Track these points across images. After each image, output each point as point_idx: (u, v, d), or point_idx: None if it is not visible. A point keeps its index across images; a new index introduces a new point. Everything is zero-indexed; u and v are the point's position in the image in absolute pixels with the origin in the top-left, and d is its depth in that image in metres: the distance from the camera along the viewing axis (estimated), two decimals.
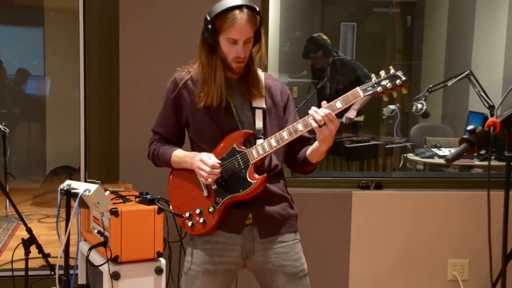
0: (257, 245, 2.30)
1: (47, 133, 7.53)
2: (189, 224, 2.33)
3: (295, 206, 2.42)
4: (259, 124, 2.28)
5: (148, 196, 2.92)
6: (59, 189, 2.41)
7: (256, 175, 2.23)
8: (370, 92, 2.09)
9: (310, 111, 2.14)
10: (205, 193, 2.30)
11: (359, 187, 3.65)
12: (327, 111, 2.09)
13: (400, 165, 5.09)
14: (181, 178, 2.38)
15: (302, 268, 2.36)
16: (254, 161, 2.23)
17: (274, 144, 2.20)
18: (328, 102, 2.15)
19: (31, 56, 7.79)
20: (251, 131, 2.27)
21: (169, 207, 2.45)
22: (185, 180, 2.36)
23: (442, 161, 4.67)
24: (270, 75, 2.43)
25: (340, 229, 3.57)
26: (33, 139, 7.70)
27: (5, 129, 5.35)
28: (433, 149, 4.85)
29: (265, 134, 2.28)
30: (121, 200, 2.93)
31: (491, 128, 1.70)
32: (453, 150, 4.82)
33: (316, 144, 2.24)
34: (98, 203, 2.35)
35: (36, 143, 7.65)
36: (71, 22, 4.67)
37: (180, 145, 2.47)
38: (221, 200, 2.27)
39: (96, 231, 2.98)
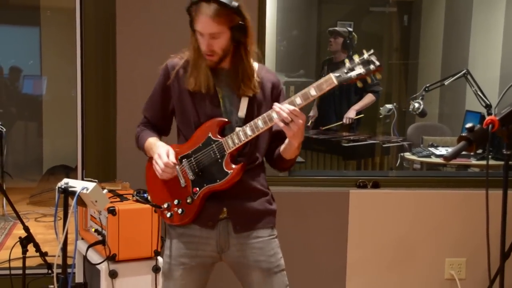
0: (232, 240, 2.27)
1: (43, 132, 7.52)
2: (168, 214, 2.29)
3: (274, 201, 2.37)
4: (241, 112, 2.22)
5: (145, 195, 2.92)
6: (56, 187, 2.41)
7: (232, 165, 2.18)
8: (345, 78, 2.02)
9: (274, 107, 2.08)
10: (182, 183, 2.25)
11: (357, 186, 3.65)
12: (291, 107, 2.04)
13: (397, 164, 5.10)
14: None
15: (277, 264, 2.30)
16: (229, 150, 2.17)
17: (249, 132, 2.14)
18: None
19: (28, 56, 7.78)
20: (225, 120, 2.21)
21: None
22: None
23: (439, 160, 4.68)
24: (264, 67, 2.37)
25: (338, 228, 3.57)
26: (29, 138, 7.68)
27: (1, 128, 5.34)
28: (430, 148, 4.86)
29: (246, 123, 2.19)
30: (118, 199, 2.93)
31: (490, 126, 1.70)
32: (450, 149, 4.84)
33: (287, 141, 2.19)
34: (96, 201, 2.35)
35: (32, 142, 7.64)
36: (68, 22, 4.66)
37: (164, 132, 2.45)
38: (198, 190, 2.22)
39: (93, 229, 2.97)
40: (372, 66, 2.02)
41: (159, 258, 2.87)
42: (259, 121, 2.13)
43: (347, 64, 2.04)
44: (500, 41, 5.59)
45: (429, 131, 5.56)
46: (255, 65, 2.30)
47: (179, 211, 2.25)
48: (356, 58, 2.04)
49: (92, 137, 3.47)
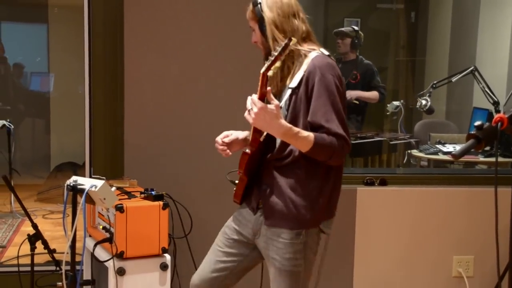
0: (263, 230, 2.39)
1: (51, 129, 7.54)
2: (234, 190, 2.50)
3: (309, 209, 2.32)
4: (281, 104, 2.28)
5: (153, 192, 2.94)
6: (65, 185, 2.42)
7: (248, 150, 2.33)
8: (266, 65, 2.15)
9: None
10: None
11: (364, 183, 3.65)
12: (252, 96, 2.16)
13: (404, 162, 5.09)
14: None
15: (289, 269, 2.34)
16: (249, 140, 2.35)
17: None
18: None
19: (35, 53, 7.81)
20: None
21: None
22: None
23: (446, 157, 4.67)
24: (321, 57, 2.31)
25: (345, 225, 3.57)
26: (37, 135, 7.71)
27: (9, 125, 5.35)
28: (437, 146, 4.85)
29: (287, 115, 2.28)
30: (126, 196, 2.94)
31: (499, 124, 1.69)
32: (457, 147, 4.82)
33: None
34: (104, 198, 2.36)
35: (40, 139, 7.66)
36: (75, 19, 4.66)
37: None
38: (241, 172, 2.39)
39: (101, 227, 2.98)
40: (278, 49, 2.15)
41: (167, 256, 2.88)
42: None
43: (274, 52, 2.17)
44: (508, 37, 5.57)
45: (437, 128, 5.54)
46: (314, 54, 2.31)
47: (234, 189, 2.48)
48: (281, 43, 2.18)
49: (100, 134, 3.47)
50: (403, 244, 3.62)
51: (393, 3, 7.00)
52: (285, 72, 2.31)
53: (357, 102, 4.96)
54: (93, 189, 2.34)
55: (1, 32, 7.74)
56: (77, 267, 2.55)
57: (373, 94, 4.97)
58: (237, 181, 2.45)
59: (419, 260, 3.64)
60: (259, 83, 2.16)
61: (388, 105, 5.25)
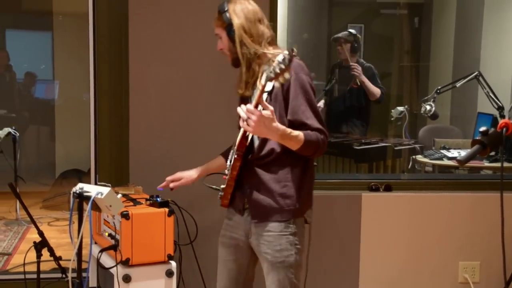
0: (253, 229, 2.49)
1: (56, 136, 7.56)
2: (219, 196, 2.59)
3: (294, 197, 2.42)
4: (258, 108, 2.30)
5: (158, 199, 2.94)
6: (71, 192, 2.42)
7: (236, 158, 2.41)
8: (266, 77, 2.11)
9: (238, 109, 2.25)
10: (227, 171, 2.52)
11: (369, 189, 3.65)
12: (248, 106, 2.19)
13: (409, 167, 5.08)
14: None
15: (282, 260, 2.43)
16: (235, 147, 2.43)
17: (241, 131, 2.36)
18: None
19: (40, 60, 7.84)
20: None
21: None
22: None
23: (451, 162, 4.66)
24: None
25: (350, 231, 3.57)
26: (42, 142, 7.73)
27: (15, 133, 5.37)
28: (442, 151, 4.84)
29: None
30: (131, 203, 2.94)
31: (504, 129, 1.70)
32: (462, 152, 4.82)
33: None
34: (110, 206, 2.37)
35: (45, 146, 7.68)
36: (79, 26, 4.68)
37: None
38: (225, 180, 2.51)
39: (107, 234, 2.99)
40: (282, 65, 2.07)
41: (173, 262, 2.88)
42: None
43: (273, 64, 2.11)
44: None
45: (441, 133, 5.54)
46: (281, 56, 2.32)
47: (219, 195, 2.57)
48: (278, 57, 2.10)
49: (105, 141, 3.48)
50: (409, 250, 3.62)
51: (396, 9, 7.01)
52: (251, 74, 2.43)
53: (355, 86, 4.91)
54: (99, 196, 2.34)
55: (6, 39, 7.77)
56: (83, 274, 2.55)
57: (376, 90, 4.93)
58: (222, 186, 2.54)
59: (425, 266, 3.63)
60: (258, 93, 2.17)
61: (392, 110, 5.24)
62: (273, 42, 2.49)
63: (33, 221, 2.86)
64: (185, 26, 3.40)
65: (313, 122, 2.35)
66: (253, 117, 2.17)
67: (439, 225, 3.62)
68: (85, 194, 2.38)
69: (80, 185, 2.43)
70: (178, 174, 2.80)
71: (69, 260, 2.55)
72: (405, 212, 3.61)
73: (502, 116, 4.54)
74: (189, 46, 3.41)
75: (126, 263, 2.78)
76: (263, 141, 2.41)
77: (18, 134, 5.41)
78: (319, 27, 6.67)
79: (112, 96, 3.46)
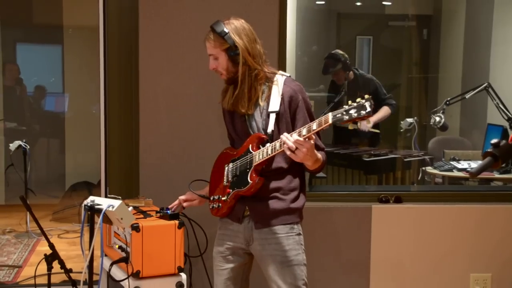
0: (255, 235, 2.58)
1: (66, 149, 7.60)
2: (211, 206, 2.71)
3: (298, 199, 2.59)
4: (270, 128, 2.52)
5: (168, 211, 2.94)
6: (83, 205, 2.44)
7: (254, 175, 2.50)
8: (337, 118, 2.19)
9: (282, 137, 2.34)
10: (225, 182, 2.64)
11: (379, 201, 3.64)
12: (296, 137, 2.29)
13: (419, 179, 5.07)
14: (217, 167, 2.74)
15: (291, 259, 2.55)
16: (255, 163, 2.51)
17: (269, 152, 2.45)
18: None
19: (50, 73, 7.89)
20: (264, 136, 2.53)
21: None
22: (218, 169, 2.72)
23: (461, 174, 4.64)
24: (291, 80, 2.60)
25: (360, 242, 3.56)
26: (52, 155, 7.77)
27: (25, 145, 5.40)
28: (451, 162, 4.82)
29: (273, 138, 2.50)
30: (142, 216, 2.95)
31: None
32: (472, 163, 4.81)
33: None
34: (121, 218, 2.38)
35: (55, 159, 7.72)
36: (89, 40, 4.73)
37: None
38: (230, 192, 2.59)
39: (117, 246, 2.99)
40: (363, 112, 2.15)
41: (183, 275, 2.88)
42: (277, 144, 2.41)
43: (346, 106, 2.19)
44: None
45: (451, 144, 5.52)
46: (281, 78, 2.57)
47: (217, 205, 2.67)
48: (355, 102, 2.17)
49: (115, 153, 3.50)
50: (419, 262, 3.60)
51: (405, 21, 7.01)
52: (252, 94, 2.55)
53: (377, 131, 4.97)
54: (110, 209, 2.35)
55: (16, 53, 7.83)
56: (94, 287, 2.56)
57: (384, 112, 4.93)
58: (224, 198, 2.62)
59: (436, 278, 3.61)
60: (321, 128, 2.25)
61: (402, 122, 5.23)
62: (266, 61, 2.61)
63: (44, 234, 2.87)
64: (195, 39, 3.41)
65: (320, 143, 2.56)
66: (303, 149, 2.28)
67: (450, 237, 3.61)
68: (96, 207, 2.39)
69: (91, 197, 2.45)
70: (191, 196, 2.85)
71: (79, 272, 2.56)
72: (416, 224, 3.60)
73: None
74: (199, 59, 3.43)
75: (136, 275, 2.78)
76: (275, 158, 2.54)
77: (28, 147, 5.45)
78: (327, 39, 6.68)
79: (122, 108, 3.48)
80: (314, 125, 2.28)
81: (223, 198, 2.63)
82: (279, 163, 2.56)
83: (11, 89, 7.52)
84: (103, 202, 2.39)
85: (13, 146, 5.39)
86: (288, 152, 2.31)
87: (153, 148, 3.44)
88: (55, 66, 7.79)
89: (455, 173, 4.69)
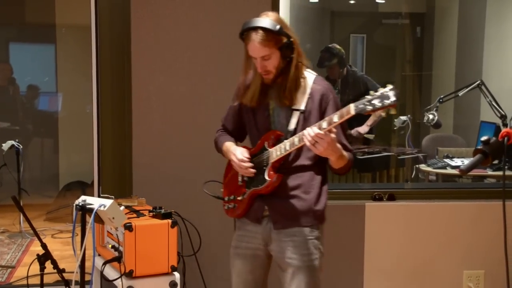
0: (274, 235, 2.49)
1: (59, 148, 7.58)
2: (225, 207, 2.63)
3: (319, 202, 2.49)
4: (291, 125, 2.44)
5: (161, 210, 2.94)
6: (74, 204, 2.43)
7: (272, 173, 2.43)
8: (360, 109, 2.16)
9: (304, 131, 2.29)
10: (240, 182, 2.56)
11: (372, 198, 3.64)
12: (317, 131, 2.24)
13: (413, 176, 5.08)
14: (230, 166, 2.62)
15: (308, 264, 2.46)
16: (272, 160, 2.43)
17: (287, 147, 2.38)
18: None
19: (43, 73, 7.86)
20: (279, 132, 2.45)
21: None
22: (232, 168, 2.59)
23: (454, 171, 4.65)
24: (321, 79, 2.54)
25: (354, 240, 3.56)
26: (46, 155, 7.74)
27: (18, 145, 5.38)
28: (445, 160, 4.83)
29: (294, 135, 2.39)
30: (135, 215, 2.94)
31: (505, 138, 1.70)
32: (465, 161, 4.82)
33: None
34: (113, 218, 2.37)
35: (48, 159, 7.69)
36: (82, 39, 4.71)
37: (239, 139, 2.73)
38: (246, 191, 2.52)
39: (110, 245, 2.99)
40: (387, 101, 2.12)
41: (176, 274, 2.88)
42: (295, 139, 2.36)
43: (368, 96, 2.16)
44: None
45: (444, 142, 5.53)
46: (311, 76, 2.51)
47: (232, 205, 2.59)
48: (379, 91, 2.15)
49: (108, 153, 3.49)
50: (413, 259, 3.61)
51: (398, 19, 7.02)
52: (298, 85, 2.44)
53: (371, 136, 4.98)
54: (102, 208, 2.34)
55: (9, 52, 7.81)
56: (87, 287, 2.55)
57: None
58: (239, 198, 2.55)
59: (429, 275, 3.62)
60: (342, 120, 2.21)
61: (395, 120, 5.24)
62: None
63: (36, 234, 2.86)
64: (187, 38, 3.42)
65: (347, 143, 2.49)
66: (324, 142, 2.23)
67: (443, 234, 3.62)
68: (88, 206, 2.39)
69: (83, 197, 2.44)
70: (243, 150, 2.58)
71: (73, 272, 2.55)
72: (409, 221, 3.60)
73: (505, 125, 4.54)
74: (191, 58, 3.43)
75: (129, 275, 2.77)
76: (297, 155, 2.47)
77: (21, 146, 5.42)
78: (321, 37, 6.68)
79: (115, 108, 3.47)
80: (335, 117, 2.22)
81: (238, 198, 2.55)
82: (302, 160, 2.48)
83: (3, 89, 7.49)
84: (95, 202, 2.38)
85: (5, 146, 5.37)
86: (308, 145, 2.26)
87: (146, 147, 3.44)
88: (48, 66, 7.76)
89: (449, 171, 4.70)
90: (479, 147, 1.70)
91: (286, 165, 2.47)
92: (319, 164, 2.51)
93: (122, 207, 2.47)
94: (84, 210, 2.39)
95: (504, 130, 1.68)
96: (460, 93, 4.71)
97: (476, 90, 4.69)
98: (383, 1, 7.18)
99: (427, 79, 6.92)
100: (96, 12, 3.38)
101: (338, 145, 2.35)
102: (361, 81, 4.97)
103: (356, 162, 4.65)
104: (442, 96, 4.79)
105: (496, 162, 4.45)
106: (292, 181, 2.47)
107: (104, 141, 3.49)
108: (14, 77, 7.57)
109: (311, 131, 2.25)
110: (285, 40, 2.37)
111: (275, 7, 3.45)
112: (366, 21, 7.22)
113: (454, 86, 6.19)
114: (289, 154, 2.43)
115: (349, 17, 7.29)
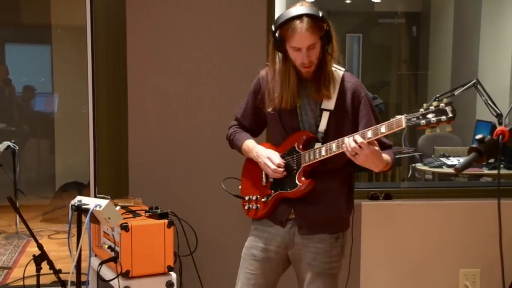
0: (297, 239, 2.40)
1: (56, 149, 7.57)
2: (246, 207, 2.53)
3: (346, 209, 2.44)
4: (322, 126, 2.34)
5: (158, 210, 2.94)
6: (70, 205, 2.42)
7: (303, 178, 2.34)
8: (413, 123, 2.05)
9: (345, 139, 2.19)
10: (264, 183, 2.47)
11: (368, 198, 3.65)
12: (360, 140, 2.13)
13: (409, 175, 5.08)
14: (252, 165, 2.51)
15: (329, 272, 2.41)
16: (305, 164, 2.33)
17: (323, 153, 2.28)
18: None
19: (39, 74, 7.85)
20: (312, 134, 2.35)
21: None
22: (254, 167, 2.49)
23: (450, 170, 4.66)
24: (350, 75, 2.42)
25: (350, 240, 3.56)
26: (42, 155, 7.73)
27: (14, 146, 5.37)
28: (441, 159, 4.84)
29: (326, 137, 2.32)
30: (131, 215, 2.94)
31: (500, 137, 1.70)
32: (461, 159, 4.82)
33: None
34: (109, 218, 2.37)
35: (45, 159, 7.69)
36: (78, 39, 4.71)
37: (254, 134, 2.61)
38: (272, 193, 2.42)
39: (106, 246, 2.98)
40: (444, 117, 2.02)
41: (173, 274, 2.88)
42: (333, 145, 2.25)
43: (422, 109, 2.05)
44: (510, 50, 5.58)
45: (440, 141, 5.54)
46: (341, 72, 2.39)
47: (255, 206, 2.49)
48: (433, 105, 2.04)
49: (104, 153, 3.49)
50: (409, 258, 3.61)
51: (394, 18, 7.04)
52: (332, 78, 2.33)
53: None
54: (97, 208, 2.34)
55: (5, 53, 7.79)
56: (83, 287, 2.55)
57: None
58: (264, 199, 2.45)
59: (426, 274, 3.62)
60: (391, 132, 2.10)
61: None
62: None
63: (32, 235, 2.86)
64: (183, 38, 3.41)
65: (386, 140, 2.37)
66: (364, 152, 2.13)
67: (440, 233, 3.62)
68: (84, 206, 2.38)
69: (78, 197, 2.43)
70: (276, 154, 2.43)
71: (69, 273, 2.55)
72: (405, 220, 3.61)
73: (501, 123, 4.55)
74: (188, 58, 3.43)
75: (126, 275, 2.77)
76: (327, 159, 2.30)
77: (17, 147, 5.41)
78: None
79: (111, 108, 3.47)
80: (383, 128, 2.10)
81: (262, 200, 2.45)
82: (332, 163, 2.35)
83: None
84: (90, 202, 2.38)
85: (1, 147, 5.36)
86: (348, 154, 2.16)
87: (142, 147, 3.43)
88: (44, 66, 7.75)
89: (445, 170, 4.71)
90: (473, 146, 1.70)
91: (315, 168, 2.36)
92: (348, 168, 2.43)
93: (118, 207, 2.46)
94: (80, 210, 2.39)
95: (499, 128, 1.68)
96: (456, 92, 4.71)
97: (472, 89, 4.69)
98: (379, 1, 7.19)
99: (423, 79, 6.93)
100: (91, 12, 3.38)
101: (382, 158, 2.22)
102: None
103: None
104: (438, 95, 4.78)
105: (492, 160, 4.47)
106: (321, 185, 2.36)
107: (100, 141, 3.48)
108: (10, 78, 7.57)
109: (352, 141, 2.14)
110: (326, 27, 2.24)
111: (270, 7, 3.45)
112: (362, 21, 7.23)
113: (450, 85, 6.20)
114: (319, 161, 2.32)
115: (345, 17, 7.30)
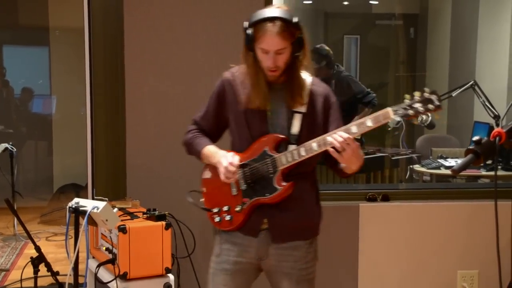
0: (271, 250, 2.34)
1: (53, 151, 7.57)
2: (216, 219, 2.40)
3: (317, 212, 2.41)
4: (295, 129, 2.29)
5: (155, 212, 2.94)
6: (67, 207, 2.42)
7: (283, 182, 2.27)
8: (401, 114, 2.06)
9: (327, 137, 2.17)
10: (234, 192, 2.35)
11: (366, 199, 3.65)
12: (345, 135, 2.11)
13: (407, 177, 5.09)
14: (214, 174, 2.38)
15: (307, 277, 2.39)
16: (282, 167, 2.26)
17: (303, 153, 2.23)
18: None
19: (37, 75, 7.85)
20: (283, 136, 2.29)
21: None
22: (217, 176, 2.33)
23: (448, 172, 4.66)
24: (317, 80, 2.40)
25: (348, 241, 3.56)
26: (40, 157, 7.73)
27: (12, 148, 5.37)
28: (439, 160, 4.85)
29: (300, 140, 2.27)
30: (129, 217, 2.94)
31: (497, 138, 1.70)
32: (459, 161, 4.82)
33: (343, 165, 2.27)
34: (106, 220, 2.36)
35: (43, 161, 7.69)
36: (76, 41, 4.71)
37: (214, 140, 2.51)
38: (248, 200, 2.32)
39: (104, 248, 2.98)
40: (430, 106, 2.04)
41: (170, 276, 2.88)
42: (313, 144, 2.20)
43: (407, 100, 2.06)
44: (507, 51, 5.59)
45: (438, 142, 5.55)
46: (309, 78, 2.36)
47: (228, 217, 2.36)
48: (417, 95, 2.06)
49: (102, 155, 3.48)
50: (407, 260, 3.61)
51: (392, 20, 7.04)
52: (301, 85, 2.30)
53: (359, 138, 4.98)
54: (95, 210, 2.34)
55: (3, 55, 7.80)
56: None
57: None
58: (237, 209, 2.34)
59: (423, 275, 3.62)
60: (378, 125, 2.12)
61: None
62: None
63: (30, 237, 2.86)
64: (181, 40, 3.41)
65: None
66: (350, 148, 2.12)
67: (437, 234, 3.62)
68: (81, 208, 2.38)
69: (76, 199, 2.43)
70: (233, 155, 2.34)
71: (67, 275, 2.55)
72: (403, 222, 3.61)
73: (498, 125, 4.55)
74: (185, 60, 3.43)
75: (124, 277, 2.77)
76: (304, 162, 2.27)
77: (15, 149, 5.41)
78: (315, 38, 6.69)
79: (109, 110, 3.46)
80: (369, 122, 2.10)
81: (236, 209, 2.33)
82: (304, 166, 2.29)
83: None
84: (88, 204, 2.38)
85: None
86: (331, 150, 2.13)
87: (139, 149, 3.43)
88: (42, 68, 7.75)
89: (443, 171, 4.71)
90: (470, 147, 1.70)
91: (290, 172, 2.29)
92: (315, 172, 2.41)
93: (115, 209, 2.46)
94: (77, 212, 2.39)
95: (495, 130, 1.69)
96: (454, 94, 4.72)
97: (469, 91, 4.70)
98: (377, 2, 7.20)
99: (420, 80, 6.94)
100: (89, 14, 3.38)
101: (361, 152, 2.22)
102: (344, 81, 4.97)
103: None
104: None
105: (490, 162, 4.47)
106: (294, 190, 2.28)
107: (98, 143, 3.48)
108: (7, 80, 7.57)
109: (338, 136, 2.11)
110: (298, 34, 2.22)
111: None
112: (360, 22, 7.24)
113: (447, 86, 6.21)
114: (297, 163, 2.27)
115: (342, 18, 7.31)
